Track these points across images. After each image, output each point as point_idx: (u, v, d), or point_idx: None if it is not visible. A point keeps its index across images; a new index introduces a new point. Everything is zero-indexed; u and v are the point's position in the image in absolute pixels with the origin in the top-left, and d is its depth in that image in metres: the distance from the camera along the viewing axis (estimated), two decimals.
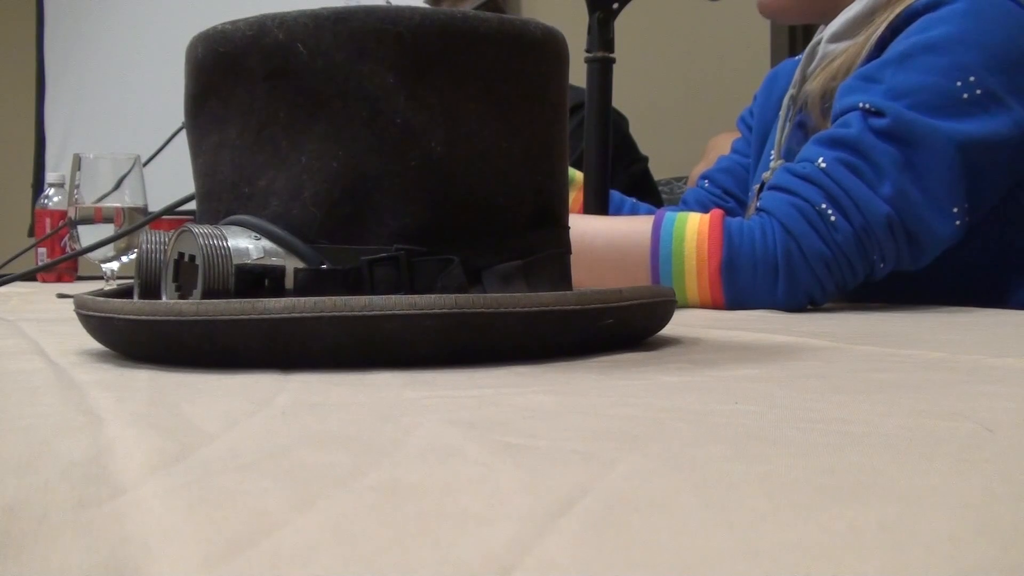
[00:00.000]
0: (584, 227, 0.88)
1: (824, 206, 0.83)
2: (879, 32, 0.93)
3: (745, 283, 0.84)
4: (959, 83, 0.85)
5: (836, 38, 1.00)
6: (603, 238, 0.89)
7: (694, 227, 0.86)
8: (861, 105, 0.86)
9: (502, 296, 0.45)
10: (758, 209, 0.88)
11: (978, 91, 0.85)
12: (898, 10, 0.93)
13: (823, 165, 0.84)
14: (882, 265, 0.86)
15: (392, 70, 0.48)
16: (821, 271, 0.84)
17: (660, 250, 0.86)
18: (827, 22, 1.03)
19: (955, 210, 0.86)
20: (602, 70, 0.99)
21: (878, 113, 0.85)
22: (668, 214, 0.89)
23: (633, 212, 1.20)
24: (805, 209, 0.84)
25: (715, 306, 0.86)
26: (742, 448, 0.26)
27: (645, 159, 1.99)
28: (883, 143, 0.84)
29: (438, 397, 0.36)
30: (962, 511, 0.20)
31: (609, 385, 0.39)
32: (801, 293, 0.85)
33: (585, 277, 0.81)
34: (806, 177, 0.85)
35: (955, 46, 0.86)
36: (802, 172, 0.85)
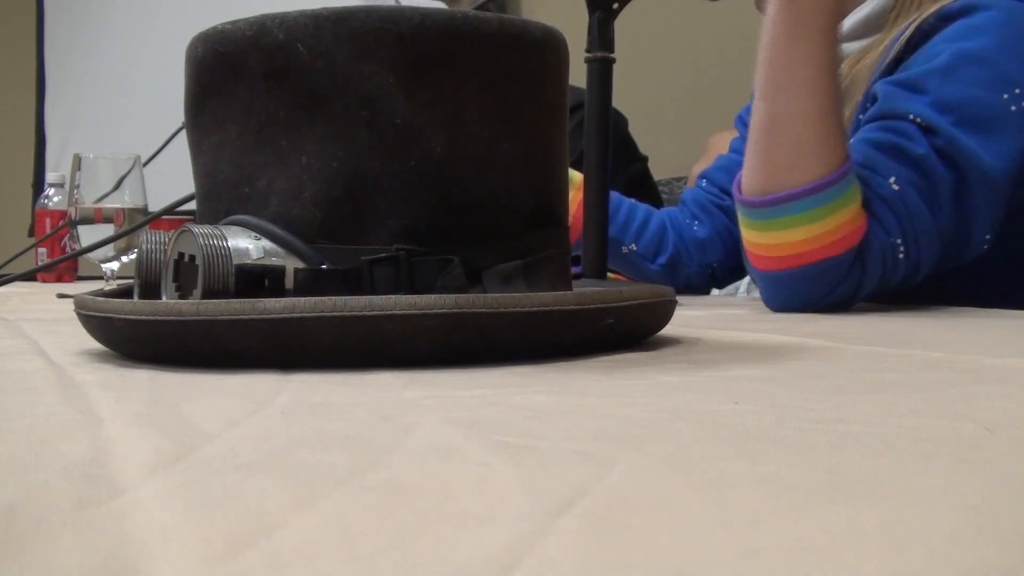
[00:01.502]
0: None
1: (898, 241, 0.83)
2: (907, 34, 0.92)
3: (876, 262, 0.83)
4: (1005, 96, 0.85)
5: (847, 39, 0.99)
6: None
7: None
8: (912, 117, 0.84)
9: (502, 296, 0.45)
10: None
11: None
12: (927, 12, 0.92)
13: (896, 187, 0.83)
14: (895, 281, 0.86)
15: (392, 70, 0.48)
16: (867, 291, 0.84)
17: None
18: None
19: (987, 236, 0.86)
20: (602, 70, 0.99)
21: (931, 131, 0.84)
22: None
23: (632, 212, 1.20)
24: (884, 241, 0.82)
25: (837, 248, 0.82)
26: (742, 448, 0.26)
27: (645, 159, 1.99)
28: (942, 167, 0.83)
29: (438, 397, 0.36)
30: (962, 511, 0.20)
31: (609, 385, 0.39)
32: (839, 298, 0.85)
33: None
34: (886, 200, 0.83)
35: (997, 58, 0.86)
36: (880, 192, 0.83)
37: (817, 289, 0.83)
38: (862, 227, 0.82)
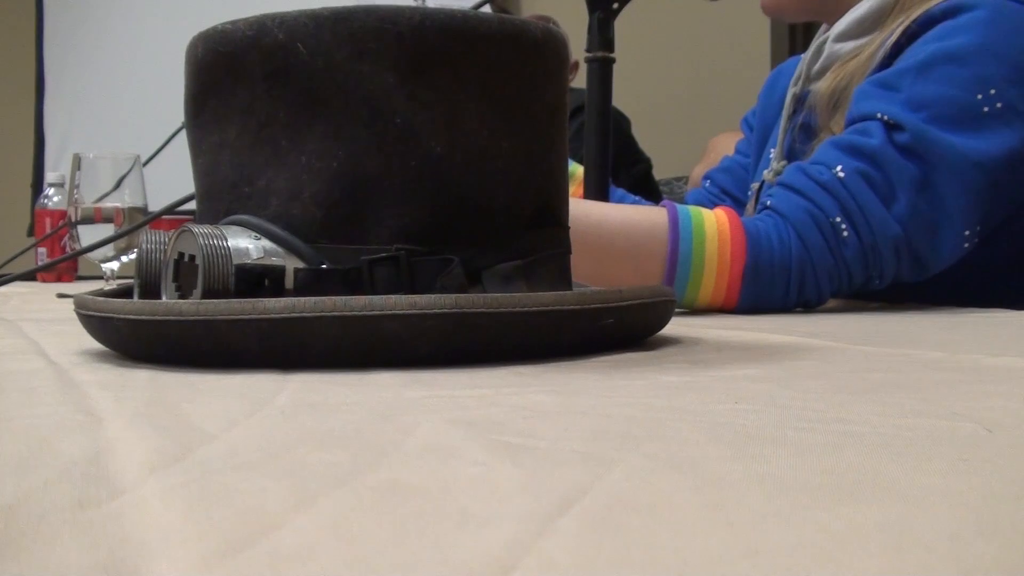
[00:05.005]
0: (591, 210, 0.85)
1: (838, 219, 0.82)
2: (894, 37, 0.91)
3: (762, 288, 0.83)
4: (979, 96, 0.83)
5: (843, 37, 0.99)
6: (613, 224, 0.85)
7: (713, 226, 0.83)
8: (880, 116, 0.83)
9: (502, 296, 0.45)
10: (768, 207, 0.86)
11: (999, 104, 0.83)
12: (915, 15, 0.90)
13: (841, 175, 0.82)
14: (878, 281, 0.85)
15: (392, 70, 0.48)
16: (824, 281, 0.83)
17: (680, 247, 0.83)
18: (831, 21, 1.03)
19: (966, 232, 0.84)
20: (602, 70, 0.99)
21: (898, 127, 0.82)
22: (680, 207, 0.86)
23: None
24: (819, 219, 0.82)
25: (725, 307, 0.84)
26: (742, 448, 0.26)
27: (648, 160, 1.99)
28: (903, 159, 0.82)
29: (438, 397, 0.36)
30: (962, 511, 0.20)
31: (609, 385, 0.39)
32: (801, 299, 0.84)
33: (590, 267, 0.78)
34: (824, 185, 0.83)
35: (976, 57, 0.84)
36: (819, 178, 0.83)
37: (777, 294, 0.83)
38: (740, 238, 0.82)
